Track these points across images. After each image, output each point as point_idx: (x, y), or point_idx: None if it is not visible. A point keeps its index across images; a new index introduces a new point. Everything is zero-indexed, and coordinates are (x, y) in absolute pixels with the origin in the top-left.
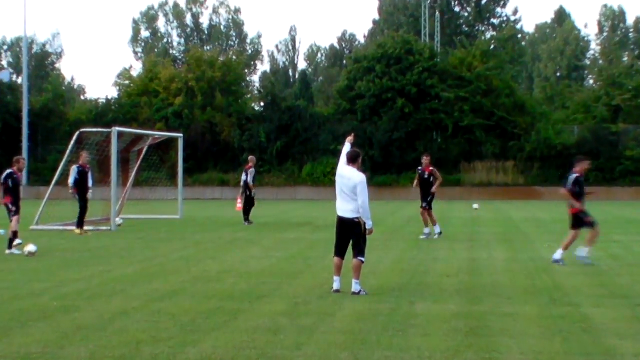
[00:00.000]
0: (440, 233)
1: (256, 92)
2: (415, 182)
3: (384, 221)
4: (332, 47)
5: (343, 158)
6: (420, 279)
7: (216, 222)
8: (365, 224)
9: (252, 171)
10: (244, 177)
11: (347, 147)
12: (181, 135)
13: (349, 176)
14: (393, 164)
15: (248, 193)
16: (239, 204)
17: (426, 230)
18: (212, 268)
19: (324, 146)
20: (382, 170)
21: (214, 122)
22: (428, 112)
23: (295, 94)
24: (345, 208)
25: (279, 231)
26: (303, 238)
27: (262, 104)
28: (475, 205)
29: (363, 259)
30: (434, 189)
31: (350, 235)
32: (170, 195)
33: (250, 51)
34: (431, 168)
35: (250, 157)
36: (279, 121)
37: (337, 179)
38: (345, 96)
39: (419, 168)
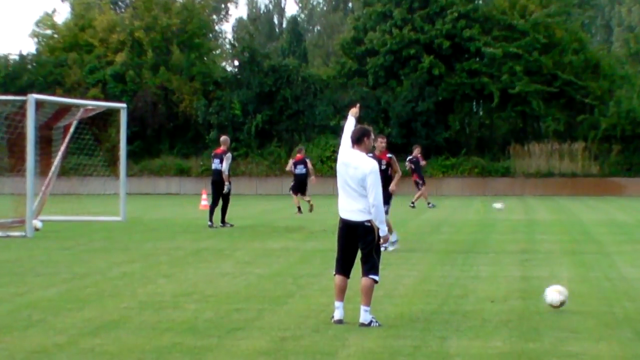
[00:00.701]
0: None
1: (228, 46)
2: None
3: (404, 225)
4: None
5: (346, 138)
6: (454, 305)
7: (172, 225)
8: (378, 229)
9: (228, 157)
10: (215, 164)
11: (350, 124)
12: (124, 105)
13: (355, 164)
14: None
15: (227, 189)
16: (204, 201)
17: (393, 237)
18: (166, 290)
19: (321, 121)
20: (401, 155)
21: (170, 88)
22: (466, 75)
23: (283, 50)
24: (350, 207)
25: (259, 238)
26: (292, 248)
27: (236, 62)
28: (498, 205)
29: (376, 278)
30: (392, 186)
31: (359, 244)
32: (109, 189)
33: None
34: (389, 155)
35: (224, 138)
36: (260, 87)
37: (340, 167)
38: (352, 52)
39: (369, 155)
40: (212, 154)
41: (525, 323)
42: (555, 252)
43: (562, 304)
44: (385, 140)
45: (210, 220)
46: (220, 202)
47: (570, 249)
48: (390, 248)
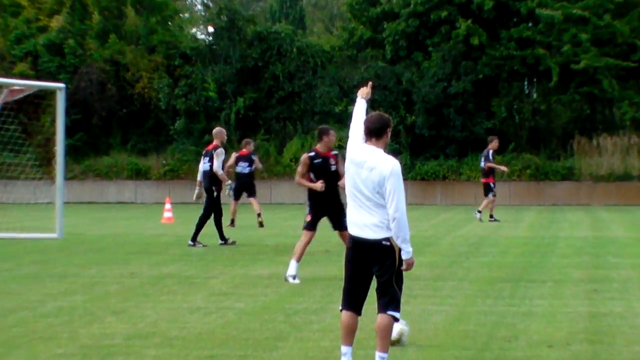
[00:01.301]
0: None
1: (200, 7)
2: (305, 179)
3: (433, 244)
4: None
5: (357, 129)
6: (498, 350)
7: (126, 245)
8: (400, 250)
9: (219, 152)
10: (204, 164)
11: (361, 109)
12: (62, 85)
13: (370, 163)
14: (450, 140)
15: (215, 192)
16: (168, 212)
17: (292, 270)
18: (116, 330)
19: (323, 106)
20: (429, 151)
21: (123, 63)
22: (514, 45)
23: (272, 12)
24: (363, 221)
25: (241, 262)
26: (285, 275)
27: (210, 29)
28: None
29: (396, 315)
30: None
31: (374, 270)
32: (42, 196)
33: None
34: (335, 152)
35: (218, 130)
36: (242, 61)
37: (349, 168)
38: (363, 16)
39: (311, 153)
40: (203, 152)
41: None
42: (633, 280)
43: (401, 334)
44: (334, 135)
45: (222, 237)
46: (202, 213)
47: None
48: (292, 281)
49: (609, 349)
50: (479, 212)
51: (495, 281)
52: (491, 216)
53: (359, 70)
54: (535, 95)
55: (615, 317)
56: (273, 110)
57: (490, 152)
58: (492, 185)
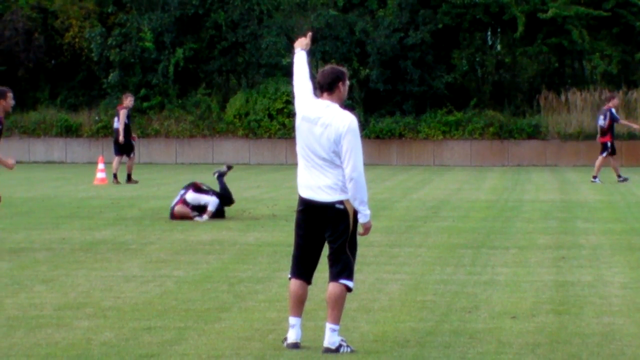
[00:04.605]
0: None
1: None
2: None
3: (388, 208)
4: None
5: (302, 83)
6: (458, 322)
7: (55, 208)
8: (355, 214)
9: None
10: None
11: (302, 61)
12: None
13: (325, 120)
14: (406, 95)
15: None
16: (101, 172)
17: None
18: (45, 300)
19: (270, 58)
20: (384, 107)
21: (51, 10)
22: None
23: None
24: (316, 183)
25: (180, 227)
26: (228, 241)
27: None
28: None
29: (350, 284)
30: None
31: (326, 236)
32: None
33: None
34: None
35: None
36: (182, 8)
37: (301, 125)
38: None
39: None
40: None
41: (560, 348)
42: (603, 246)
43: None
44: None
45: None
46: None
47: (625, 243)
48: None
49: (576, 320)
50: (595, 177)
51: (455, 248)
52: (619, 176)
53: (308, 19)
54: (499, 47)
55: (583, 287)
56: (215, 62)
57: (609, 109)
58: (608, 144)
